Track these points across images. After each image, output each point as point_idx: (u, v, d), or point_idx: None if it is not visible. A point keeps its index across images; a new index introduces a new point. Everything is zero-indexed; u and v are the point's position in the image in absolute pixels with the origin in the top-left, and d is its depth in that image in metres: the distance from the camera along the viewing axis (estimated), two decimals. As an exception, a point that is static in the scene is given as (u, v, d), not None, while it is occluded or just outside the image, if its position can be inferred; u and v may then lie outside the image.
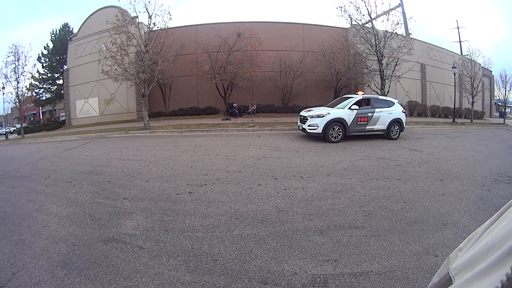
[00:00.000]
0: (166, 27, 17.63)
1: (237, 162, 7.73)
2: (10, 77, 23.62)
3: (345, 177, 6.26)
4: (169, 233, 3.78)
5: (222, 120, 18.57)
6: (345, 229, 3.81)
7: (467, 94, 26.45)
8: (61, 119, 32.63)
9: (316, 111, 11.42)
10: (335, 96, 21.00)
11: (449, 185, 5.74)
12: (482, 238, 0.70)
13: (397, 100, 12.59)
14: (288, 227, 3.89)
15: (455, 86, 23.56)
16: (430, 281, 0.82)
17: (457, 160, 8.22)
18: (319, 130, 10.74)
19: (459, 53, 33.22)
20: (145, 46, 16.82)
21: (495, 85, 36.20)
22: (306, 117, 11.19)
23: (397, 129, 11.90)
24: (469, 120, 24.94)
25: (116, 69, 16.57)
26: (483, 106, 34.02)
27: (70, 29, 34.20)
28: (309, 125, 10.99)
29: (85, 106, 26.37)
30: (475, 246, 0.70)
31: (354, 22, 19.11)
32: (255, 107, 22.58)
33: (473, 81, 25.80)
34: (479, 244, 0.68)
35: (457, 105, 24.79)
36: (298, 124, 11.97)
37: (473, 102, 25.96)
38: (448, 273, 0.70)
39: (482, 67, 28.56)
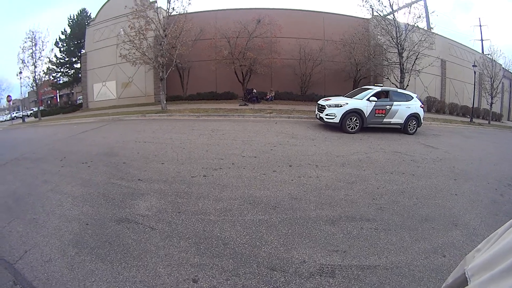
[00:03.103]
0: (185, 12, 17.49)
1: (253, 147, 7.74)
2: (28, 62, 24.11)
3: (360, 169, 6.21)
4: (182, 215, 3.84)
5: (240, 105, 18.43)
6: (356, 221, 3.80)
7: (486, 94, 25.43)
8: (78, 102, 33.20)
9: (334, 100, 11.25)
10: (354, 86, 20.61)
11: (462, 185, 5.61)
12: (501, 240, 0.69)
13: (415, 95, 12.27)
14: (300, 214, 3.90)
15: (474, 85, 22.78)
16: (444, 282, 0.81)
17: (472, 160, 7.99)
18: (337, 120, 10.60)
19: (480, 52, 32.01)
20: (164, 31, 16.77)
21: (515, 88, 34.81)
22: (324, 106, 11.03)
23: (415, 124, 11.60)
24: (487, 121, 24.07)
25: (134, 53, 16.64)
26: (501, 108, 32.79)
27: (88, 14, 34.41)
28: (326, 114, 10.85)
29: (103, 90, 26.73)
30: (493, 247, 0.69)
31: (375, 13, 18.68)
32: (274, 93, 22.39)
33: (493, 82, 24.80)
34: (497, 245, 0.67)
35: (475, 105, 23.95)
36: (316, 112, 11.82)
37: (491, 103, 25.13)
38: (464, 273, 0.69)
39: (503, 68, 27.44)
